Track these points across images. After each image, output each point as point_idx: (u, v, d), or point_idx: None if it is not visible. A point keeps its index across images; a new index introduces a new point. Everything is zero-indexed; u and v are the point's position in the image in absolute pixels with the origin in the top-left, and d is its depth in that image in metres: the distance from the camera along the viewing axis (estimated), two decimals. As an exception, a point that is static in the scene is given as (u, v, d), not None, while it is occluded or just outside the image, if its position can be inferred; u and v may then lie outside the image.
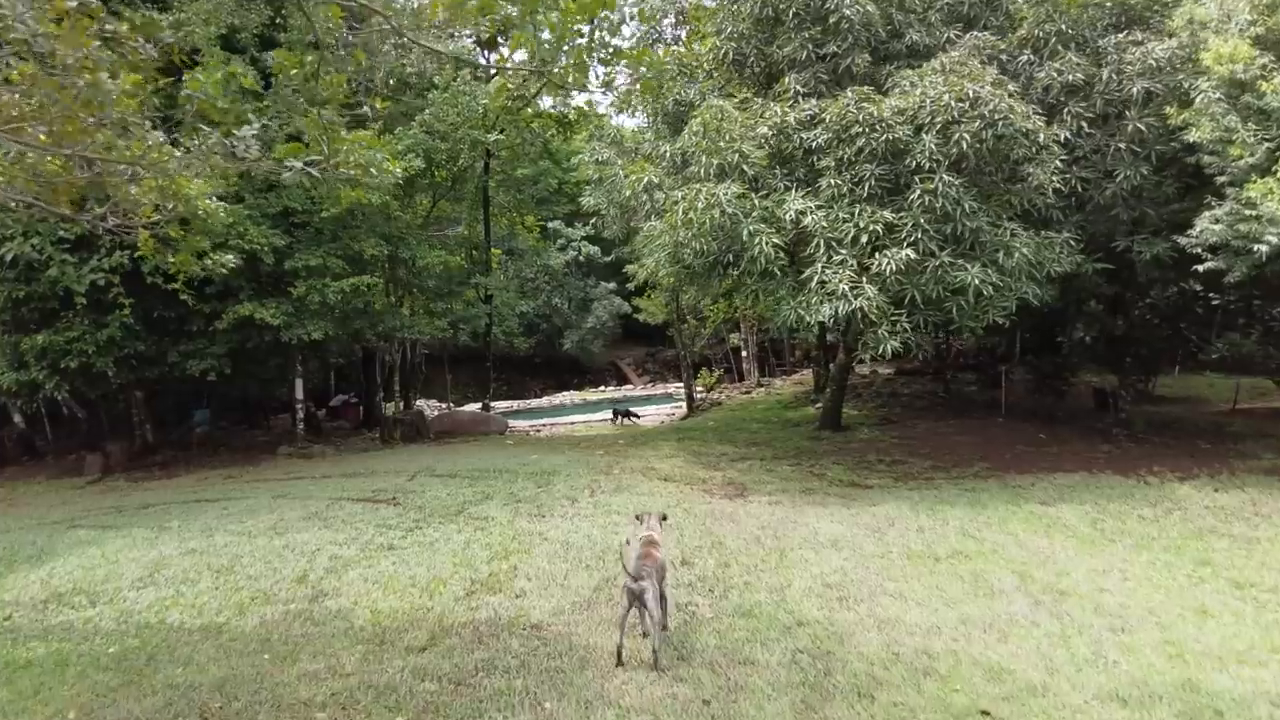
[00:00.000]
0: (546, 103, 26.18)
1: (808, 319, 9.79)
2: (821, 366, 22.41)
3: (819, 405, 20.35)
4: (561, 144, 39.22)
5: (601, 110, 26.27)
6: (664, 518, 6.32)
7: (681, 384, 33.00)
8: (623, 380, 40.37)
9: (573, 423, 25.59)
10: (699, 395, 26.09)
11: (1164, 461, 12.18)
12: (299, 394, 19.18)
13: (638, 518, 6.28)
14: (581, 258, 36.91)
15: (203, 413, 22.28)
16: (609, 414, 24.97)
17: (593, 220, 37.79)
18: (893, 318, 9.69)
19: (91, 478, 16.46)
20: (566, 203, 39.89)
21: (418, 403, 25.34)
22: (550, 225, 36.32)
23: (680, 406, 26.29)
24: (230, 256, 6.94)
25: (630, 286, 33.93)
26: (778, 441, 15.82)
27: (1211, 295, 14.76)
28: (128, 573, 7.98)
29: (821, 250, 9.88)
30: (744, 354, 30.41)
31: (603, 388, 38.25)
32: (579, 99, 25.80)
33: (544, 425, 24.99)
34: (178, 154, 4.94)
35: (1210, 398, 19.25)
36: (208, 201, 5.88)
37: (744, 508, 9.98)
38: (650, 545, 5.60)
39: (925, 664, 5.38)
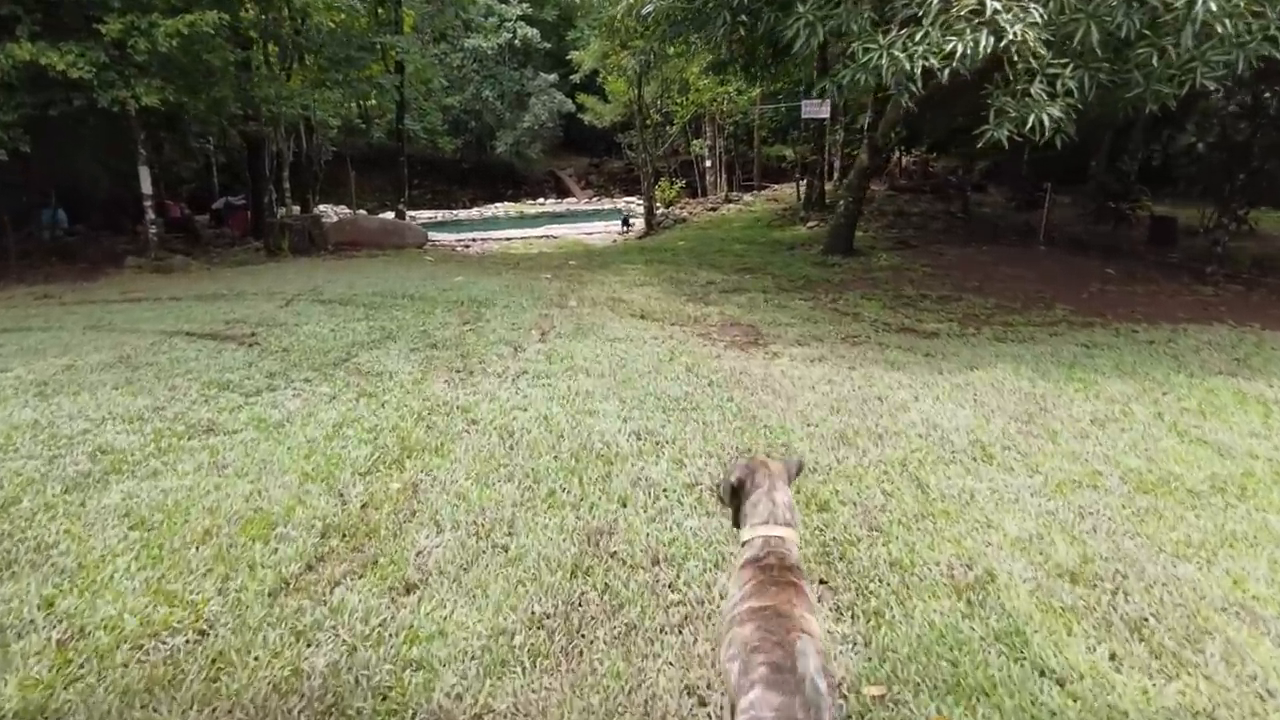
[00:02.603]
0: None
1: (908, 66, 5.91)
2: (816, 177, 18.65)
3: (811, 225, 16.96)
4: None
5: None
6: (799, 468, 2.22)
7: (632, 199, 28.99)
8: (564, 193, 35.78)
9: (509, 239, 21.57)
10: (658, 211, 22.25)
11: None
12: (146, 188, 14.53)
13: (735, 486, 2.12)
14: (517, 41, 30.86)
15: (50, 213, 17.51)
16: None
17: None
18: (1050, 71, 5.91)
19: None
20: (499, -30, 33.14)
21: (318, 208, 20.72)
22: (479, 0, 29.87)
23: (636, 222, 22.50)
24: None
25: (575, 79, 28.65)
26: (775, 267, 12.46)
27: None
28: None
29: (940, -50, 5.88)
30: (708, 164, 26.26)
31: (541, 200, 33.72)
32: None
33: (473, 240, 20.93)
34: None
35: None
36: None
37: (773, 366, 6.67)
38: (791, 590, 1.78)
39: None
